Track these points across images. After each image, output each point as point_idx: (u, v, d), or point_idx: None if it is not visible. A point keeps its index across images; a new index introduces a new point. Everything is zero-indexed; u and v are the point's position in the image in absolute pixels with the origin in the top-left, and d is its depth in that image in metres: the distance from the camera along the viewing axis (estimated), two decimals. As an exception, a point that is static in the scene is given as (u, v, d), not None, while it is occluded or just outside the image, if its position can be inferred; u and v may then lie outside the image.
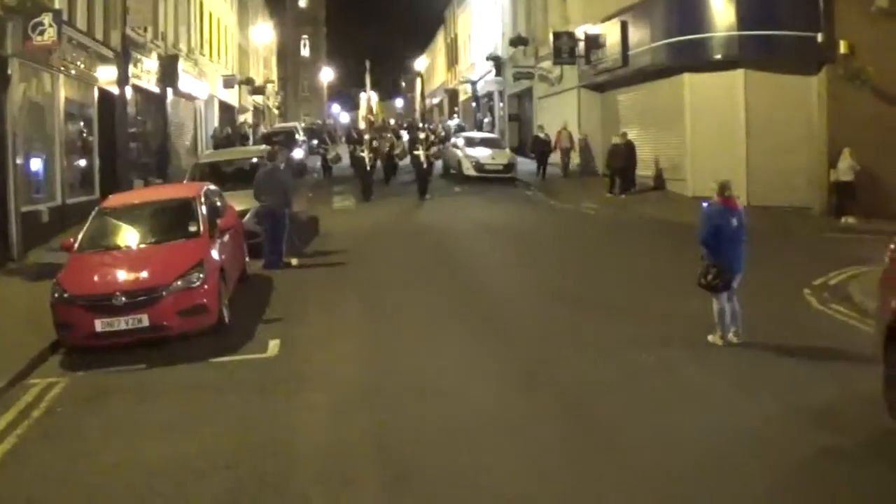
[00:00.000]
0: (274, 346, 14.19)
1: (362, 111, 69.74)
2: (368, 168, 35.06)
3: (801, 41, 28.70)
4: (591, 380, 12.23)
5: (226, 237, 16.95)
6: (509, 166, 40.51)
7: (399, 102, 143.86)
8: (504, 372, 12.74)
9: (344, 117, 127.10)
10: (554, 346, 13.99)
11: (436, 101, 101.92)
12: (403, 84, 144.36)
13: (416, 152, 35.43)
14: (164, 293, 14.08)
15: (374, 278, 19.67)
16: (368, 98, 36.02)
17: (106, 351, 14.04)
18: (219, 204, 18.16)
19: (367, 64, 35.40)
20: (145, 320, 13.89)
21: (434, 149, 37.23)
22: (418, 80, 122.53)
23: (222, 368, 13.30)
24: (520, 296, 17.90)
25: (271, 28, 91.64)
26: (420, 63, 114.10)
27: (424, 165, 34.79)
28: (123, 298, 13.85)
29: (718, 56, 30.25)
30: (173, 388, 12.56)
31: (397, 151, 41.66)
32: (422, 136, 36.77)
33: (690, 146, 31.40)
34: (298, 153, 44.81)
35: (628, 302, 16.83)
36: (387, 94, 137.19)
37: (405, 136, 48.10)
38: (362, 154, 35.23)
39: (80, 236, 16.07)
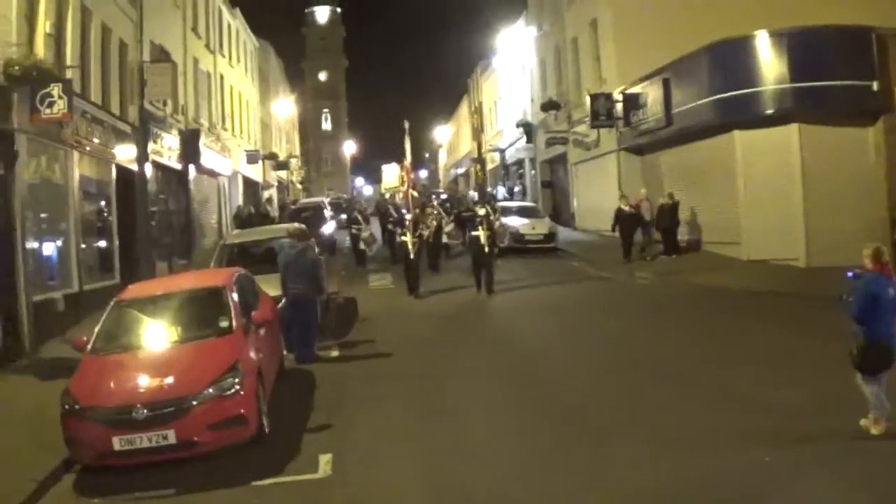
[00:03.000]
0: (325, 462, 11.92)
1: (389, 182, 67.19)
2: (413, 255, 27.82)
3: (855, 91, 27.89)
4: (702, 489, 10.19)
5: (262, 331, 14.75)
6: (550, 236, 38.71)
7: (423, 173, 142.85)
8: (593, 479, 10.79)
9: (367, 190, 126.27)
10: (645, 443, 11.93)
11: (461, 170, 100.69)
12: (427, 155, 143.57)
13: (475, 233, 27.84)
14: (193, 403, 11.90)
15: (426, 370, 17.48)
16: (407, 167, 30.84)
17: (127, 471, 11.90)
18: (252, 292, 16.10)
19: (406, 125, 31.37)
20: (172, 436, 11.69)
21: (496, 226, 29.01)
22: (441, 150, 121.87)
23: (268, 495, 11.07)
24: (594, 382, 15.85)
25: (292, 102, 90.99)
26: (444, 133, 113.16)
27: (486, 250, 27.46)
28: (145, 411, 11.68)
29: (770, 111, 29.10)
30: (209, 522, 10.40)
31: (447, 230, 34.94)
32: (482, 212, 28.38)
33: (744, 207, 29.93)
34: (328, 229, 42.97)
35: (717, 385, 14.80)
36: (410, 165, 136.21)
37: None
38: (404, 238, 28.08)
39: (94, 334, 13.87)
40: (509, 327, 22.26)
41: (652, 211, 33.52)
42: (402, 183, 30.45)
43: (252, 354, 13.45)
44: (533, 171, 60.93)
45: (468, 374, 17.03)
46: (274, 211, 53.94)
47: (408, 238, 27.73)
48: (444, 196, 56.71)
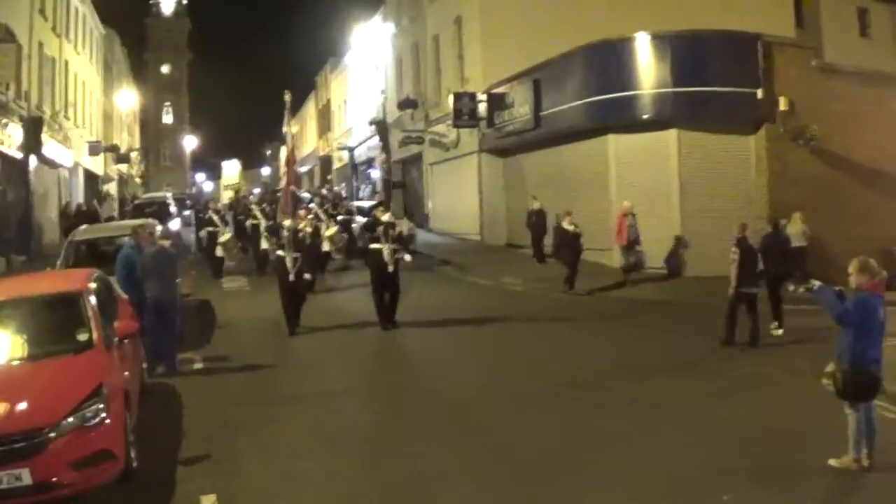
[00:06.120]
0: (210, 506, 9.92)
1: (229, 179, 63.93)
2: (293, 276, 20.46)
3: (739, 98, 27.74)
4: None
5: (125, 344, 12.67)
6: (411, 237, 37.12)
7: (265, 171, 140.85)
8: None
9: (208, 186, 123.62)
10: (595, 480, 10.39)
11: (305, 168, 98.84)
12: (269, 152, 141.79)
13: (374, 246, 20.92)
14: (51, 436, 9.71)
15: (307, 385, 15.72)
16: (289, 152, 25.48)
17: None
18: (111, 297, 14.06)
19: (287, 97, 26.01)
20: (26, 476, 9.50)
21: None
22: (283, 148, 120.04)
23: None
24: (512, 397, 14.31)
25: (135, 94, 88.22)
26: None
27: (390, 269, 20.76)
28: (-8, 446, 9.61)
29: (648, 115, 28.59)
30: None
31: (328, 234, 29.42)
32: (385, 217, 21.43)
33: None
34: (174, 225, 40.82)
35: (663, 404, 13.55)
36: (251, 162, 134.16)
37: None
38: (280, 253, 20.78)
39: (-75, 347, 11.53)
40: (389, 333, 20.56)
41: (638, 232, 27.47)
42: (284, 171, 26.04)
43: (117, 374, 11.38)
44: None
45: (360, 389, 15.46)
46: (112, 209, 51.07)
47: (286, 253, 20.62)
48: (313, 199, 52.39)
